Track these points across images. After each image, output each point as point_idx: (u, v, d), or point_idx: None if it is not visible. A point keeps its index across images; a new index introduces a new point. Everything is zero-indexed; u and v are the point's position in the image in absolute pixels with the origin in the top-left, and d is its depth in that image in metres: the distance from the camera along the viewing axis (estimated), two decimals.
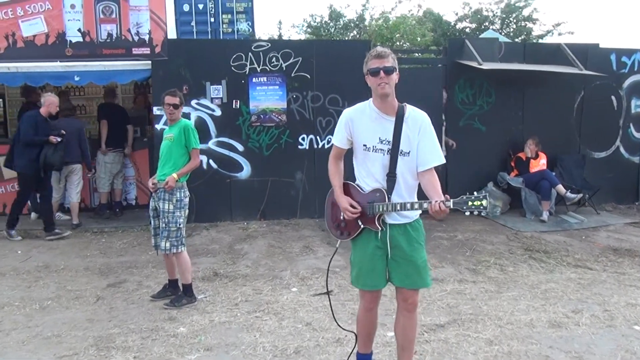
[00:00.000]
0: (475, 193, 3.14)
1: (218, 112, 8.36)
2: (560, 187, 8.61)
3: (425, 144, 3.37)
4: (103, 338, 4.53)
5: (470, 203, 3.11)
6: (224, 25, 12.05)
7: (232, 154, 8.46)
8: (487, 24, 22.30)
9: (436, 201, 3.18)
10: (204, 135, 8.30)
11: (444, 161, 3.42)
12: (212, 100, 8.31)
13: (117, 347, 4.36)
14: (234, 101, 8.38)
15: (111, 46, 8.00)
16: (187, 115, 8.22)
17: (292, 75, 8.49)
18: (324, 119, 8.63)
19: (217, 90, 8.31)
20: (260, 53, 8.38)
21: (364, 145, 3.41)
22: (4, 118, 11.07)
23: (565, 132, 9.55)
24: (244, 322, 4.86)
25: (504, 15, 22.49)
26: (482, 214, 3.20)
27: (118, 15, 7.97)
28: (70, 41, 7.91)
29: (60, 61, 7.88)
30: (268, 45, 8.41)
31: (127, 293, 5.72)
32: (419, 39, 15.97)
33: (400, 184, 3.40)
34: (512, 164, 9.19)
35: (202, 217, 8.38)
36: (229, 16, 11.78)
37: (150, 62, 8.08)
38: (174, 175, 5.10)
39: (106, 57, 7.99)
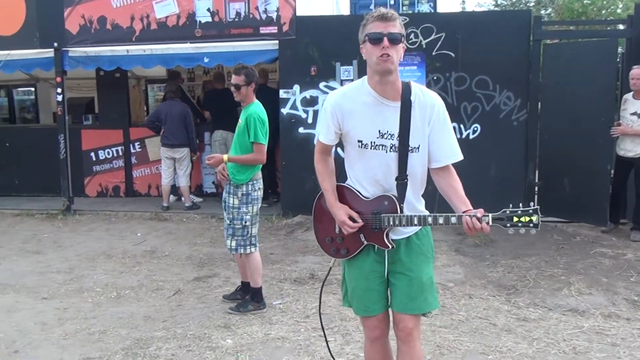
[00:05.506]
0: (521, 206, 2.40)
1: None
2: None
3: (438, 136, 2.56)
4: (141, 341, 4.07)
5: (515, 219, 2.38)
6: (404, 8, 11.24)
7: None
8: None
9: (470, 216, 2.35)
10: None
11: (461, 157, 2.61)
12: (341, 82, 7.53)
13: (145, 355, 3.86)
14: None
15: (239, 26, 7.63)
16: (315, 99, 7.62)
17: (433, 53, 7.38)
18: (469, 105, 7.40)
19: (347, 72, 7.53)
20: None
21: (359, 141, 2.54)
22: None
23: None
24: (302, 341, 4.07)
25: None
26: (532, 232, 2.35)
27: None
28: (200, 21, 7.70)
29: (190, 42, 7.72)
30: (406, 19, 7.38)
31: (207, 289, 5.27)
32: (619, 11, 13.41)
33: (409, 187, 2.55)
34: None
35: None
36: None
37: (277, 41, 7.58)
38: (225, 156, 4.46)
39: (234, 37, 7.65)
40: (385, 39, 2.38)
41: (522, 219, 2.36)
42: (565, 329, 4.30)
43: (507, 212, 2.39)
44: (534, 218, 2.35)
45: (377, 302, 2.69)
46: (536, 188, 7.50)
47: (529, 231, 2.37)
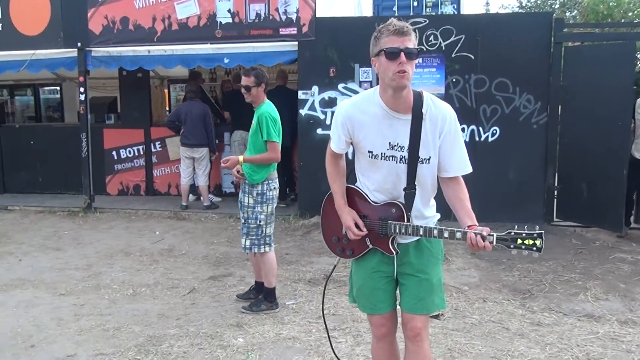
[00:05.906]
0: (526, 228, 2.39)
1: None
2: None
3: (449, 148, 2.56)
4: (153, 339, 4.12)
5: (519, 241, 2.39)
6: (427, 10, 11.18)
7: None
8: None
9: (476, 234, 2.37)
10: None
11: (470, 170, 2.62)
12: (360, 84, 7.56)
13: (157, 352, 3.91)
14: None
15: (259, 27, 7.68)
16: (333, 101, 7.63)
17: (453, 55, 7.34)
18: (488, 107, 7.34)
19: (366, 73, 7.53)
20: (416, 31, 7.38)
21: (370, 152, 2.55)
22: None
23: None
24: (313, 341, 4.09)
25: None
26: (534, 255, 2.35)
27: None
28: (220, 22, 7.77)
29: (210, 43, 7.80)
30: (425, 21, 7.35)
31: (222, 288, 5.31)
32: None
33: (417, 196, 2.55)
34: None
35: None
36: None
37: (297, 43, 7.61)
38: (240, 157, 4.49)
39: (254, 38, 7.70)
40: (402, 54, 2.35)
41: (526, 241, 2.38)
42: (579, 334, 4.25)
43: (512, 233, 2.40)
44: (538, 242, 2.36)
45: (383, 300, 2.71)
46: (555, 192, 7.41)
47: (532, 254, 2.38)
